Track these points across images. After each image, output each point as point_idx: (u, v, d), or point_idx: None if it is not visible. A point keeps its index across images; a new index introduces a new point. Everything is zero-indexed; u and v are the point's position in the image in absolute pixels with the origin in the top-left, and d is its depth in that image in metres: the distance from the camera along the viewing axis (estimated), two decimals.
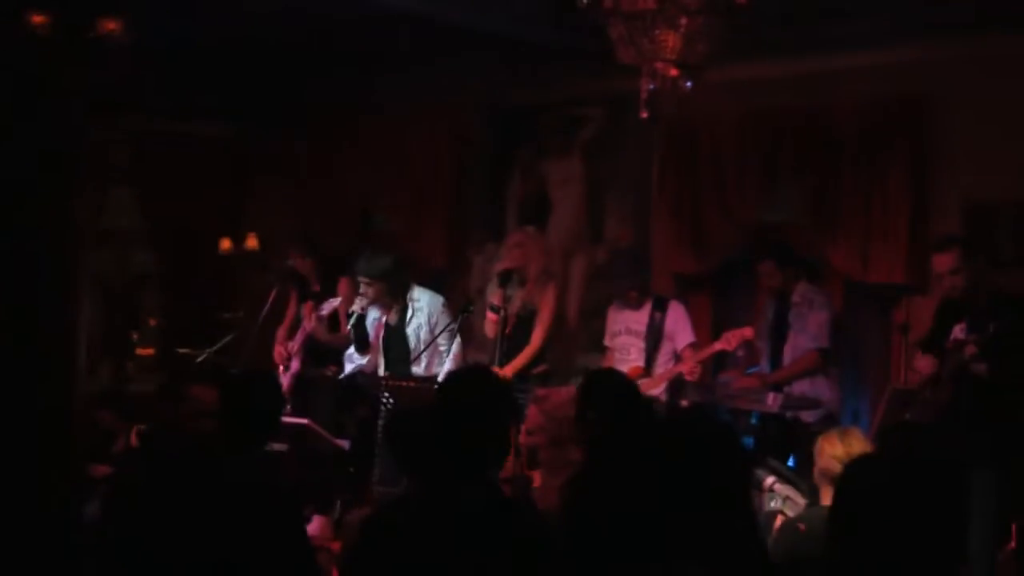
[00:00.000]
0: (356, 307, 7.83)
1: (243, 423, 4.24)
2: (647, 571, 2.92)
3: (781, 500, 5.37)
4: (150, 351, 10.06)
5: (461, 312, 7.68)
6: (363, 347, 7.89)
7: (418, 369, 7.59)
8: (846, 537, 2.91)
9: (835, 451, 4.62)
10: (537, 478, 4.92)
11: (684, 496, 3.05)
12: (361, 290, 7.73)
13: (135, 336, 9.98)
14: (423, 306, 7.69)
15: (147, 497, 4.03)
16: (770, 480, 5.48)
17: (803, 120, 7.88)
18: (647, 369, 7.31)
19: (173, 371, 8.68)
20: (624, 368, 7.30)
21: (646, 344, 7.38)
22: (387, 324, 7.81)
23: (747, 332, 7.05)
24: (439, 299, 7.79)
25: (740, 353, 7.37)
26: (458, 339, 7.72)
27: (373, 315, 7.87)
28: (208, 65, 9.24)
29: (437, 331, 7.57)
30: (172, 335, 9.96)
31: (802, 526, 4.45)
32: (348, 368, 8.14)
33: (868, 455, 4.37)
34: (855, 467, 3.11)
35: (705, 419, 4.00)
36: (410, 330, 7.68)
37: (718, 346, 7.12)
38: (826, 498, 4.50)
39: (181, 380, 5.25)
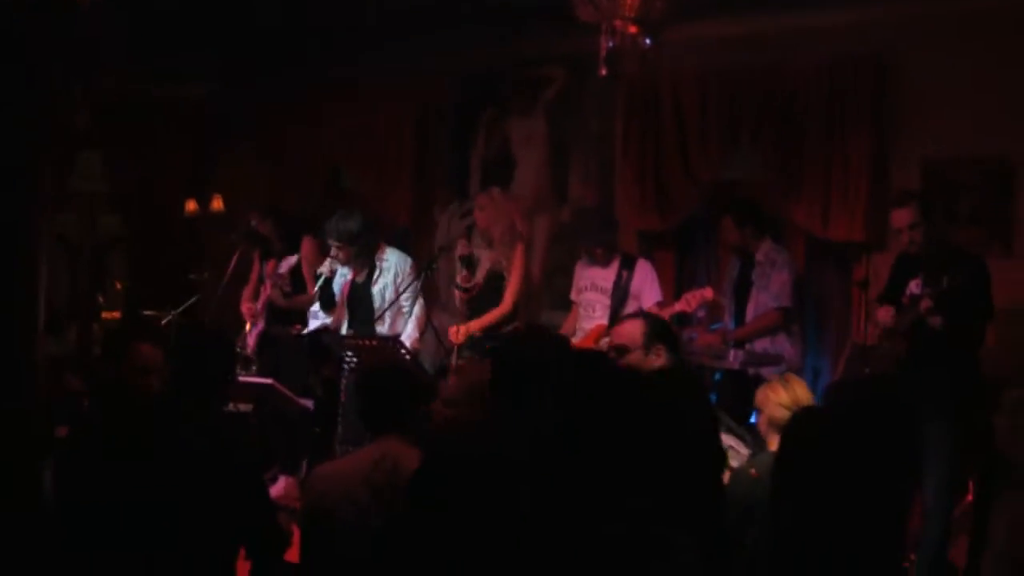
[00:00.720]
0: (324, 269, 7.84)
1: (193, 383, 4.24)
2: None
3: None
4: (116, 314, 10.02)
5: (424, 270, 7.69)
6: (328, 306, 7.90)
7: (382, 328, 7.59)
8: (792, 485, 2.96)
9: (780, 398, 4.68)
10: None
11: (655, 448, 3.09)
12: (332, 252, 7.72)
13: (101, 299, 9.93)
14: (391, 266, 7.68)
15: (100, 459, 3.99)
16: None
17: (764, 78, 7.90)
18: (610, 327, 7.31)
19: (116, 329, 8.66)
20: (588, 325, 7.35)
21: (612, 301, 7.37)
22: (353, 282, 7.80)
23: (707, 293, 7.03)
24: (407, 259, 7.78)
25: (701, 314, 7.39)
26: (421, 300, 7.73)
27: (341, 273, 7.87)
28: (175, 27, 9.18)
29: (402, 291, 7.58)
30: (138, 297, 9.94)
31: (754, 471, 4.49)
32: (312, 324, 8.15)
33: (816, 406, 4.42)
34: (801, 416, 3.15)
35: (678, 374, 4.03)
36: (376, 289, 7.67)
37: (678, 307, 7.08)
38: (773, 445, 4.56)
39: (124, 337, 5.23)
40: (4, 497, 4.24)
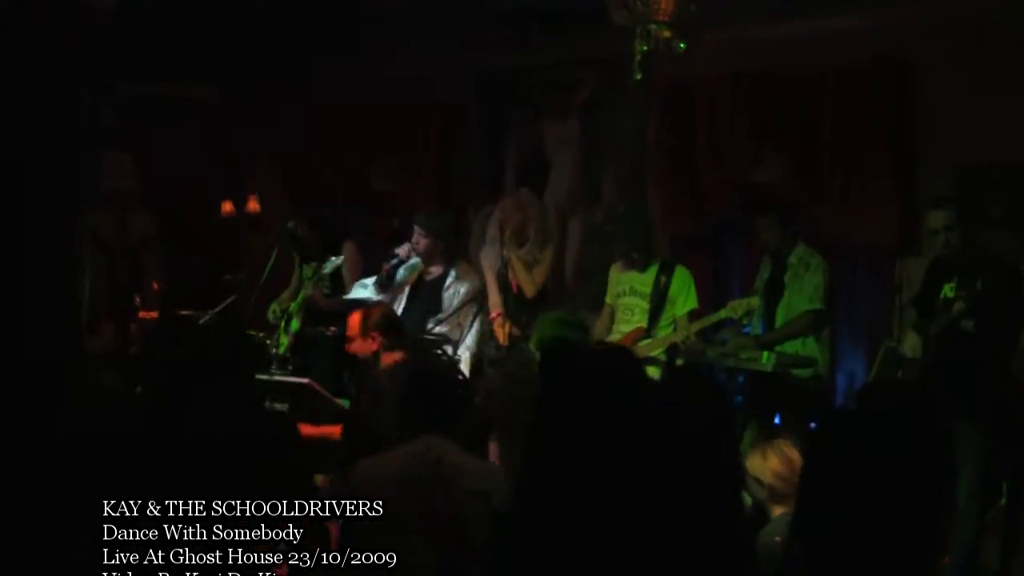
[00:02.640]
0: (402, 251, 7.90)
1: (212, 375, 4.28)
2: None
3: None
4: (153, 314, 10.09)
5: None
6: (385, 287, 7.94)
7: (440, 330, 7.67)
8: (822, 491, 2.96)
9: (775, 467, 4.44)
10: (493, 447, 4.94)
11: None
12: (414, 239, 7.79)
13: (138, 299, 9.99)
14: (466, 283, 7.75)
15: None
16: None
17: (795, 82, 7.94)
18: (649, 331, 7.34)
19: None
20: (627, 328, 7.37)
21: (650, 305, 7.36)
22: (425, 275, 7.87)
23: (753, 302, 7.05)
24: (478, 278, 7.88)
25: (748, 323, 7.36)
26: (476, 328, 7.77)
27: (409, 265, 7.92)
28: (196, 28, 9.25)
29: (461, 307, 7.67)
30: (175, 297, 10.00)
31: (778, 539, 4.38)
32: (354, 293, 8.17)
33: (845, 410, 4.37)
34: (830, 422, 3.15)
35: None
36: (446, 294, 7.72)
37: (724, 314, 7.10)
38: (777, 512, 4.37)
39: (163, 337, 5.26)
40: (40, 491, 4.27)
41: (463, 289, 7.72)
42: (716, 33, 7.21)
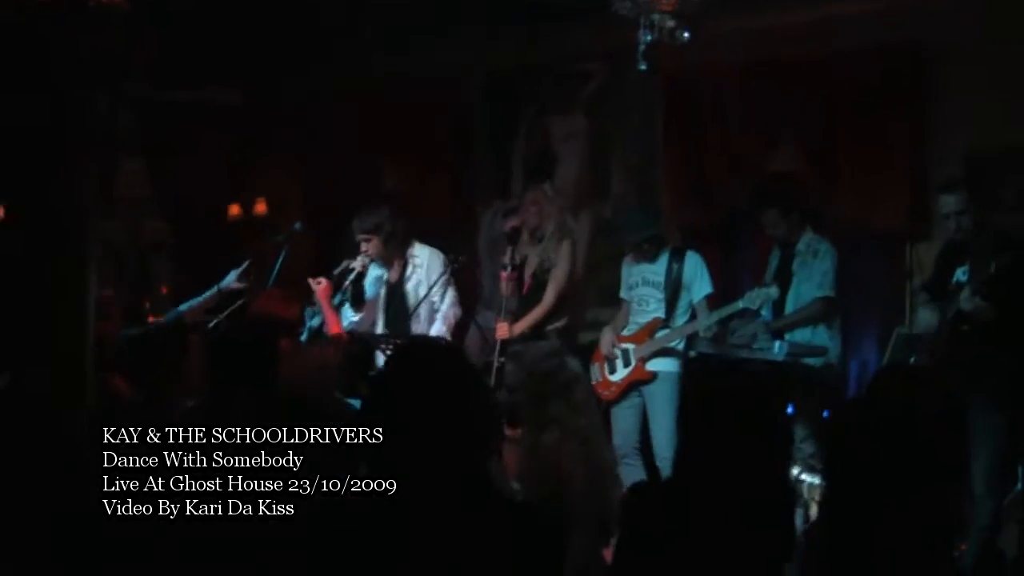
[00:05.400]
0: (357, 264, 7.81)
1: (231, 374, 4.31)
2: None
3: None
4: (162, 318, 10.09)
5: (450, 265, 7.68)
6: (357, 304, 7.86)
7: (417, 326, 7.60)
8: (839, 475, 2.95)
9: None
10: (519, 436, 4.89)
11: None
12: (362, 248, 7.72)
13: (147, 303, 10.01)
14: (422, 262, 7.69)
15: None
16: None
17: (804, 69, 7.90)
18: (667, 321, 7.31)
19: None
20: (643, 319, 7.34)
21: (665, 294, 7.30)
22: (387, 281, 7.81)
23: (772, 292, 6.98)
24: (439, 255, 7.75)
25: (766, 313, 7.31)
26: (451, 294, 7.72)
27: (375, 273, 7.87)
28: (205, 31, 9.24)
29: (432, 286, 7.59)
30: (183, 302, 10.00)
31: None
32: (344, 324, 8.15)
33: (858, 397, 4.36)
34: (848, 405, 3.14)
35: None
36: (409, 287, 7.68)
37: (741, 304, 7.04)
38: None
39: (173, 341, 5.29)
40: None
41: (423, 274, 7.66)
42: (723, 22, 7.21)
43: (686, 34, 5.99)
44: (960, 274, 5.99)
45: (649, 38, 6.03)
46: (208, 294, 7.53)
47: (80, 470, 3.88)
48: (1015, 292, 5.68)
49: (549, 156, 9.33)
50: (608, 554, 3.67)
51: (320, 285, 7.53)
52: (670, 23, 5.97)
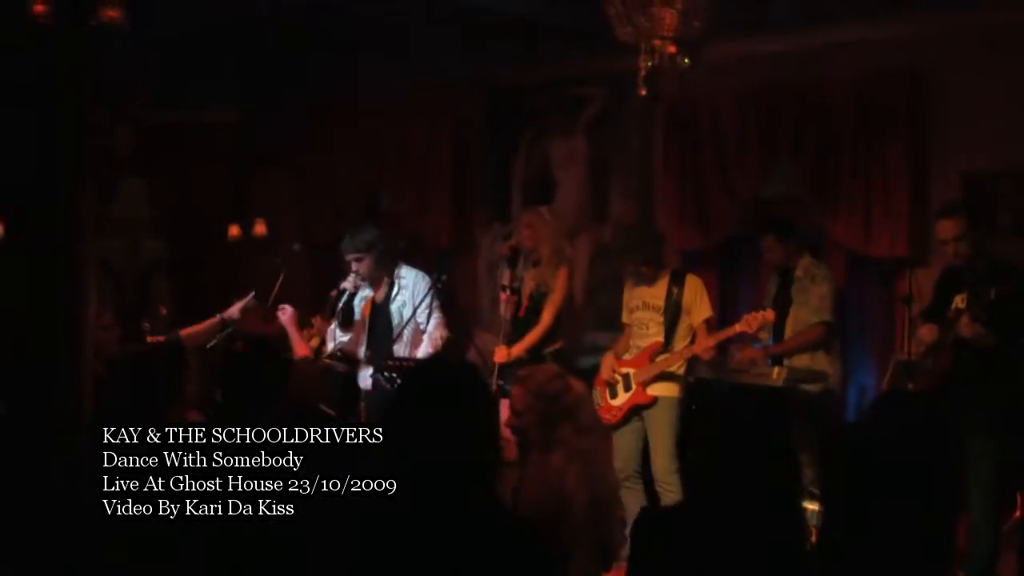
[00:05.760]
0: (348, 285, 7.80)
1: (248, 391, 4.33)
2: None
3: None
4: (161, 339, 10.09)
5: (434, 284, 7.67)
6: (347, 324, 7.84)
7: (399, 347, 7.59)
8: (836, 502, 2.95)
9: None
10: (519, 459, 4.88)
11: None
12: (353, 267, 7.71)
13: (146, 324, 10.00)
14: (408, 283, 7.67)
15: None
16: None
17: (801, 94, 7.91)
18: (666, 344, 7.29)
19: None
20: (643, 343, 7.32)
21: (665, 318, 7.27)
22: (373, 302, 7.79)
23: (769, 315, 6.96)
24: (425, 277, 7.74)
25: (763, 335, 7.31)
26: (437, 316, 7.70)
27: (364, 294, 7.86)
28: (209, 52, 9.28)
29: (417, 305, 7.58)
30: (182, 322, 10.00)
31: None
32: (329, 346, 8.14)
33: (855, 423, 4.36)
34: (845, 432, 3.14)
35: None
36: (394, 307, 7.66)
37: (738, 328, 7.02)
38: None
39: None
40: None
41: (408, 296, 7.65)
42: (722, 48, 7.23)
43: (687, 60, 6.01)
44: (959, 300, 5.98)
45: (650, 64, 6.04)
46: (210, 323, 7.52)
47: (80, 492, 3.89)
48: (1014, 320, 5.68)
49: (548, 179, 9.35)
50: None
51: (285, 313, 7.56)
52: (670, 49, 5.98)
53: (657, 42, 6.00)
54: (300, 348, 7.46)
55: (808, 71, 7.89)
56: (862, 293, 7.91)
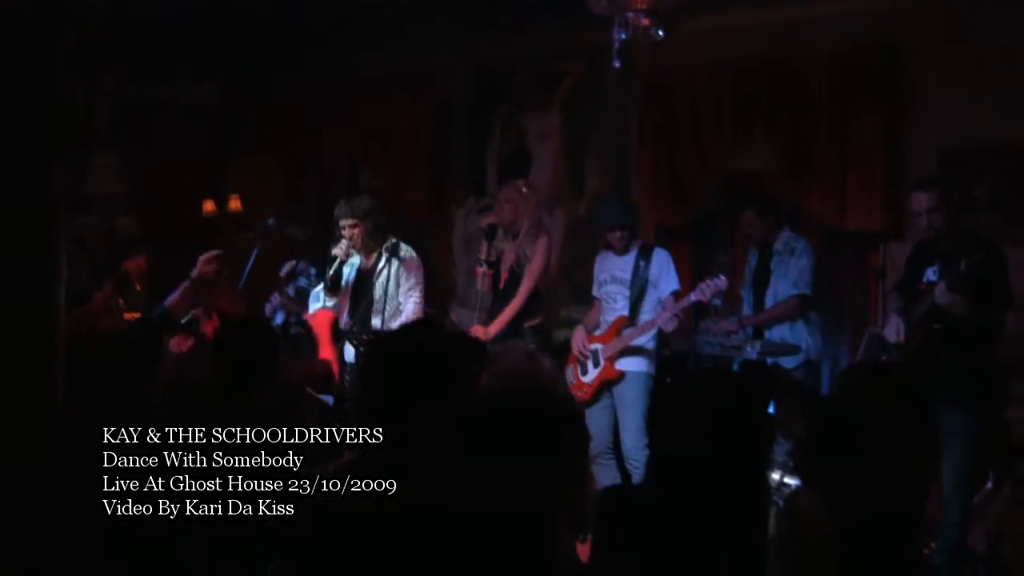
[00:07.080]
0: (339, 251, 7.70)
1: (240, 368, 4.33)
2: None
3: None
4: (136, 315, 10.05)
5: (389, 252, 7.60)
6: (334, 290, 7.82)
7: (376, 322, 7.56)
8: (812, 478, 2.97)
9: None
10: None
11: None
12: (346, 233, 7.64)
13: (121, 301, 9.95)
14: (399, 261, 7.64)
15: None
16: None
17: (777, 68, 7.92)
18: (632, 318, 7.30)
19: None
20: (611, 317, 7.31)
21: (631, 291, 7.25)
22: (359, 270, 7.76)
23: (721, 282, 6.92)
24: (416, 260, 7.72)
25: (717, 303, 7.33)
26: (416, 297, 7.56)
27: (351, 263, 7.79)
28: (187, 28, 9.20)
29: (402, 285, 7.54)
30: (158, 299, 9.96)
31: None
32: (312, 307, 8.08)
33: (828, 395, 4.36)
34: (819, 403, 3.16)
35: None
36: (379, 281, 7.61)
37: (693, 296, 6.99)
38: None
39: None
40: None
41: (393, 269, 7.55)
42: (698, 22, 7.23)
43: (660, 33, 5.99)
44: (930, 273, 6.01)
45: (624, 36, 6.02)
46: (184, 287, 7.48)
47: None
48: (984, 290, 5.70)
49: (524, 154, 9.34)
50: (582, 550, 3.65)
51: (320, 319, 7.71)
52: (644, 21, 5.96)
53: (631, 14, 5.99)
54: (325, 351, 7.47)
55: (784, 45, 7.91)
56: (837, 266, 7.93)
